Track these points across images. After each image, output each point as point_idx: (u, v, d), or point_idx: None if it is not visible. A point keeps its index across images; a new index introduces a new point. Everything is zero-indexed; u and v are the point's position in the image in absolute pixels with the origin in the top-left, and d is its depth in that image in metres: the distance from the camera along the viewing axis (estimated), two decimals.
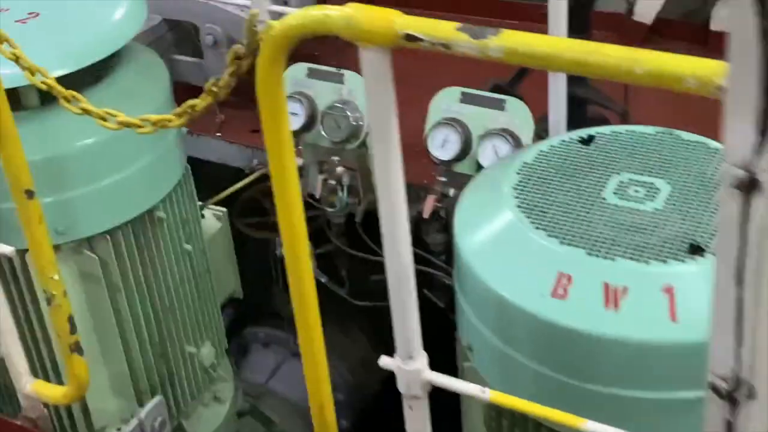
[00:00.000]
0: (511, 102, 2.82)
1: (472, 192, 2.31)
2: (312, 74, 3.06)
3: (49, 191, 2.36)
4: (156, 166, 2.63)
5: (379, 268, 1.89)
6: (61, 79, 2.09)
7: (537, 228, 2.03)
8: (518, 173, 2.20)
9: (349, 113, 2.98)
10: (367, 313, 3.46)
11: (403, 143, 1.45)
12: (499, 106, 2.84)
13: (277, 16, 2.77)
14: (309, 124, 3.03)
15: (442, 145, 2.88)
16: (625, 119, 2.88)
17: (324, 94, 3.04)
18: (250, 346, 4.19)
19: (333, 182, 3.06)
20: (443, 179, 2.94)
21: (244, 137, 3.59)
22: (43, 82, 1.82)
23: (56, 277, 2.10)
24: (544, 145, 2.29)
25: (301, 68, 3.07)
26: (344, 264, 3.45)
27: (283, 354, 4.11)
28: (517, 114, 2.81)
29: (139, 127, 1.86)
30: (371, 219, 3.25)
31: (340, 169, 3.06)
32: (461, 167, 2.89)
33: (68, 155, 2.42)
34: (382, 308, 1.66)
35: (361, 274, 3.44)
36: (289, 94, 3.04)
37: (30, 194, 1.98)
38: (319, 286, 3.50)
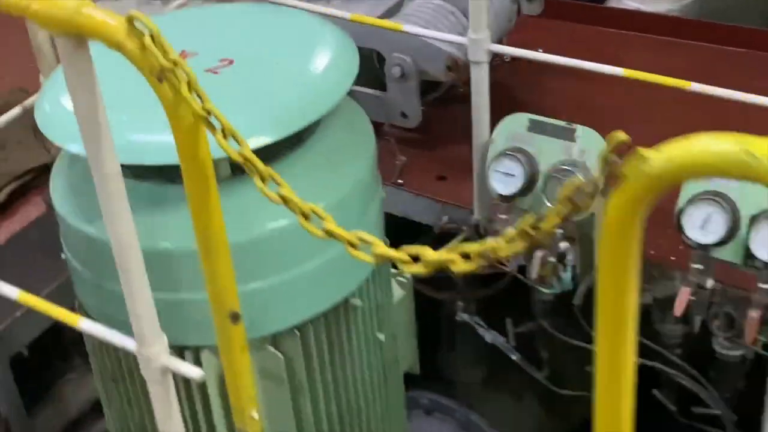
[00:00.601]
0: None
1: None
2: (534, 127, 2.52)
3: None
4: None
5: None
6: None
7: None
8: None
9: (581, 176, 2.43)
10: (567, 401, 2.93)
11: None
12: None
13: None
14: (527, 188, 2.50)
15: (703, 226, 2.31)
16: None
17: (548, 151, 2.50)
18: (410, 411, 3.71)
19: (552, 259, 2.52)
20: (698, 266, 2.37)
21: (429, 186, 3.08)
22: (240, 154, 1.33)
23: (256, 415, 1.63)
24: None
25: (520, 120, 2.54)
26: (546, 346, 2.91)
27: (449, 424, 3.60)
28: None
29: (353, 246, 1.33)
30: (590, 301, 2.73)
31: (564, 245, 2.51)
32: (724, 253, 2.33)
33: (256, 240, 1.94)
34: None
35: (565, 360, 2.90)
36: (505, 150, 2.51)
37: (235, 318, 1.51)
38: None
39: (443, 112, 3.26)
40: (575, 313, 2.64)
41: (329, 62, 2.02)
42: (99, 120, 1.40)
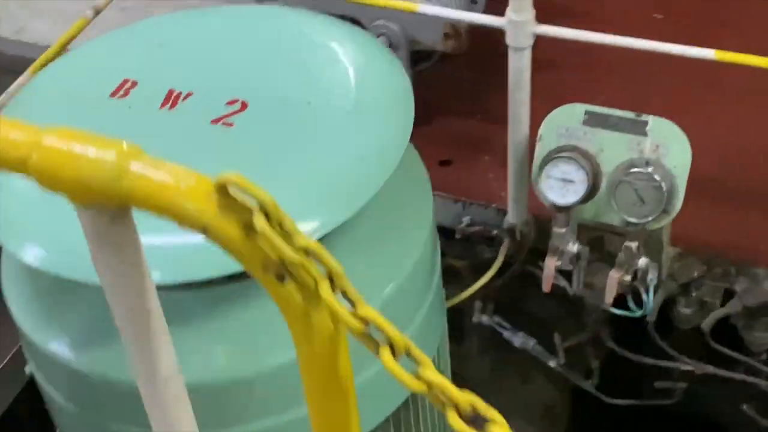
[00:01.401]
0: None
1: None
2: (593, 120, 2.04)
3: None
4: None
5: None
6: None
7: None
8: None
9: (657, 178, 1.97)
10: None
11: None
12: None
13: None
14: (589, 194, 2.03)
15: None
16: None
17: (613, 149, 2.03)
18: None
19: (628, 279, 2.06)
20: None
21: (432, 174, 2.57)
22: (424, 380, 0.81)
23: None
24: None
25: (573, 111, 2.05)
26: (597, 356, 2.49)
27: None
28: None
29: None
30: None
31: (643, 261, 2.06)
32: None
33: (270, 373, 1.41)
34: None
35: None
36: (560, 151, 2.03)
37: None
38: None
39: (436, 81, 2.74)
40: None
41: (383, 99, 1.48)
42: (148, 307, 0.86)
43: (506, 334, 2.57)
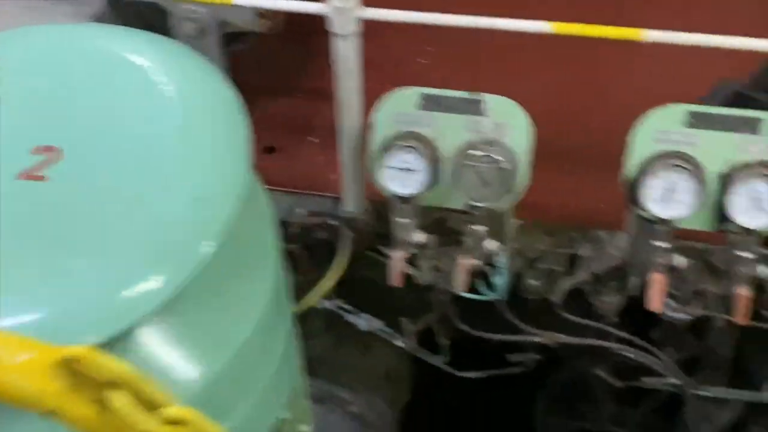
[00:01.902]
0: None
1: None
2: (429, 103, 1.93)
3: None
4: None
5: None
6: None
7: None
8: None
9: (499, 158, 1.89)
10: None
11: None
12: (750, 127, 1.83)
13: None
14: (431, 182, 1.92)
15: (663, 198, 1.86)
16: None
17: (452, 132, 1.93)
18: None
19: (477, 263, 1.99)
20: (664, 244, 1.94)
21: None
22: None
23: None
24: None
25: (410, 96, 1.93)
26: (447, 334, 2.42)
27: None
28: None
29: None
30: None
31: (490, 244, 1.99)
32: (689, 222, 1.90)
33: None
34: None
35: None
36: (396, 139, 1.91)
37: None
38: None
39: (254, 62, 2.57)
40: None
41: (211, 123, 1.31)
42: None
43: (350, 317, 2.47)
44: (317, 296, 2.20)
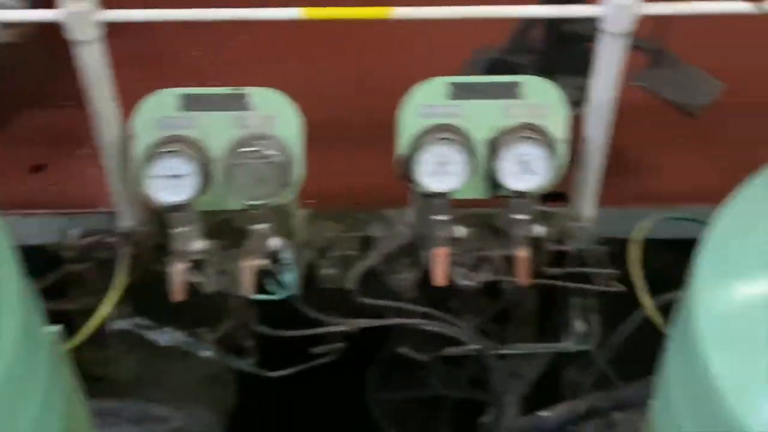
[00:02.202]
0: (530, 82, 1.84)
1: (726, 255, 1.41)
2: (189, 103, 1.85)
3: None
4: None
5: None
6: None
7: None
8: None
9: (271, 153, 1.85)
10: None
11: None
12: (512, 92, 1.85)
13: None
14: (203, 186, 1.86)
15: (436, 172, 1.86)
16: (659, 59, 1.99)
17: (218, 131, 1.86)
18: None
19: (263, 263, 1.94)
20: (443, 217, 1.94)
21: (22, 185, 2.28)
22: None
23: None
24: None
25: (169, 98, 1.85)
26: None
27: None
28: (543, 98, 1.84)
29: None
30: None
31: (276, 243, 1.94)
32: (463, 192, 1.91)
33: None
34: None
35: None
36: (160, 145, 1.83)
37: None
38: None
39: (8, 74, 2.41)
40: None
41: None
42: None
43: (150, 334, 2.38)
44: (99, 319, 2.09)
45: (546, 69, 2.02)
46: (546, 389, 2.52)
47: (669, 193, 2.11)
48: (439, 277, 1.92)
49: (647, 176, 2.17)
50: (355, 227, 2.18)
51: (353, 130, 2.30)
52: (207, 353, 2.39)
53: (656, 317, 2.01)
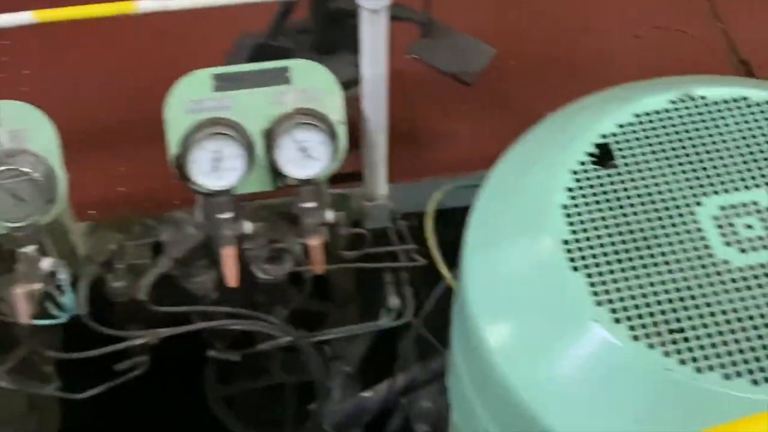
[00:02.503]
0: (298, 66, 1.75)
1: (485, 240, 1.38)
2: None
3: None
4: None
5: None
6: None
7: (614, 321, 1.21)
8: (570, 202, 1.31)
9: (27, 170, 1.70)
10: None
11: None
12: (282, 78, 1.75)
13: None
14: None
15: (212, 169, 1.75)
16: (429, 30, 1.92)
17: None
18: None
19: (38, 287, 1.79)
20: (226, 215, 1.84)
21: None
22: None
23: None
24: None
25: None
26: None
27: None
28: (313, 81, 1.75)
29: None
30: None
31: (48, 263, 1.79)
32: (246, 186, 1.81)
33: None
34: None
35: None
36: None
37: None
38: None
39: None
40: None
41: None
42: None
43: None
44: None
45: (320, 49, 1.94)
46: (381, 367, 2.48)
47: (461, 161, 2.07)
48: (230, 277, 1.83)
49: (438, 146, 2.14)
50: (144, 234, 2.06)
51: (129, 134, 2.16)
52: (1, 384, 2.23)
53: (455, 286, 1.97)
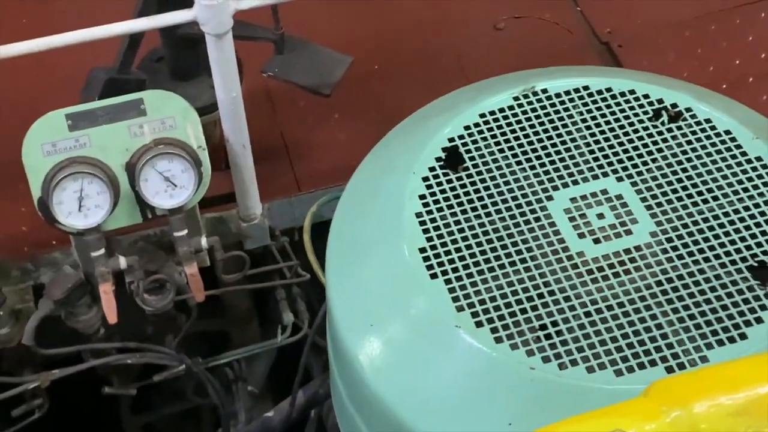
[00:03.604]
0: (151, 97, 1.66)
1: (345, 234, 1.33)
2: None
3: None
4: None
5: None
6: None
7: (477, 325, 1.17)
8: (424, 209, 1.26)
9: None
10: None
11: None
12: (136, 110, 1.67)
13: None
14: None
15: (77, 209, 1.67)
16: (282, 46, 1.84)
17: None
18: None
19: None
20: (99, 253, 1.75)
21: None
22: None
23: None
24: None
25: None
26: None
27: None
28: (168, 110, 1.67)
29: None
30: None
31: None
32: (115, 221, 1.72)
33: None
34: None
35: None
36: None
37: None
38: None
39: None
40: None
41: None
42: None
43: None
44: None
45: (177, 75, 1.86)
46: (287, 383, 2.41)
47: (335, 171, 2.01)
48: (109, 314, 1.74)
49: (311, 159, 2.07)
50: (23, 278, 1.96)
51: None
52: None
53: None
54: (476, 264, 1.23)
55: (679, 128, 1.35)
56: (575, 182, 1.29)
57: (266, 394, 2.49)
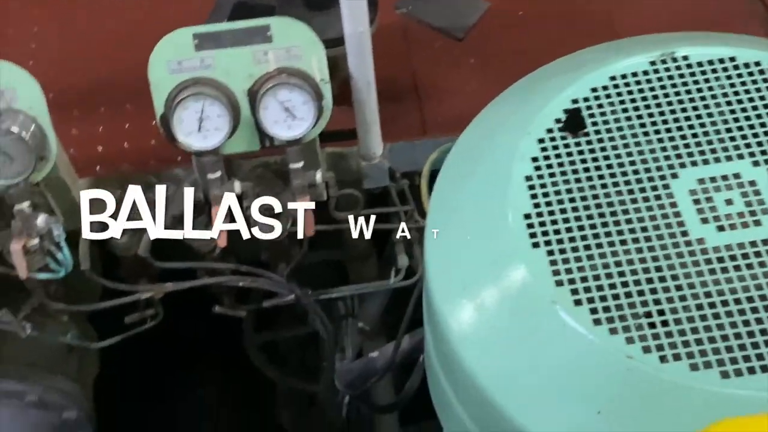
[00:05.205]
0: (278, 24, 1.59)
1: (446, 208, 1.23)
2: None
3: None
4: None
5: None
6: None
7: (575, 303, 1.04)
8: (534, 173, 1.15)
9: (16, 129, 1.58)
10: None
11: None
12: (262, 36, 1.60)
13: None
14: None
15: (196, 129, 1.62)
16: None
17: None
18: None
19: (35, 243, 1.69)
20: (215, 175, 1.70)
21: None
22: None
23: None
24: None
25: None
26: None
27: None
28: (294, 39, 1.60)
29: None
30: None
31: (42, 220, 1.69)
32: (233, 146, 1.67)
33: None
34: None
35: None
36: None
37: None
38: None
39: None
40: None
41: None
42: None
43: None
44: None
45: (311, 5, 1.78)
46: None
47: (461, 118, 1.89)
48: (220, 237, 1.70)
49: (438, 103, 1.96)
50: (145, 191, 1.94)
51: (131, 90, 2.03)
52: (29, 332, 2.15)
53: None
54: (583, 237, 1.11)
55: None
56: (705, 162, 1.14)
57: (380, 334, 2.43)
